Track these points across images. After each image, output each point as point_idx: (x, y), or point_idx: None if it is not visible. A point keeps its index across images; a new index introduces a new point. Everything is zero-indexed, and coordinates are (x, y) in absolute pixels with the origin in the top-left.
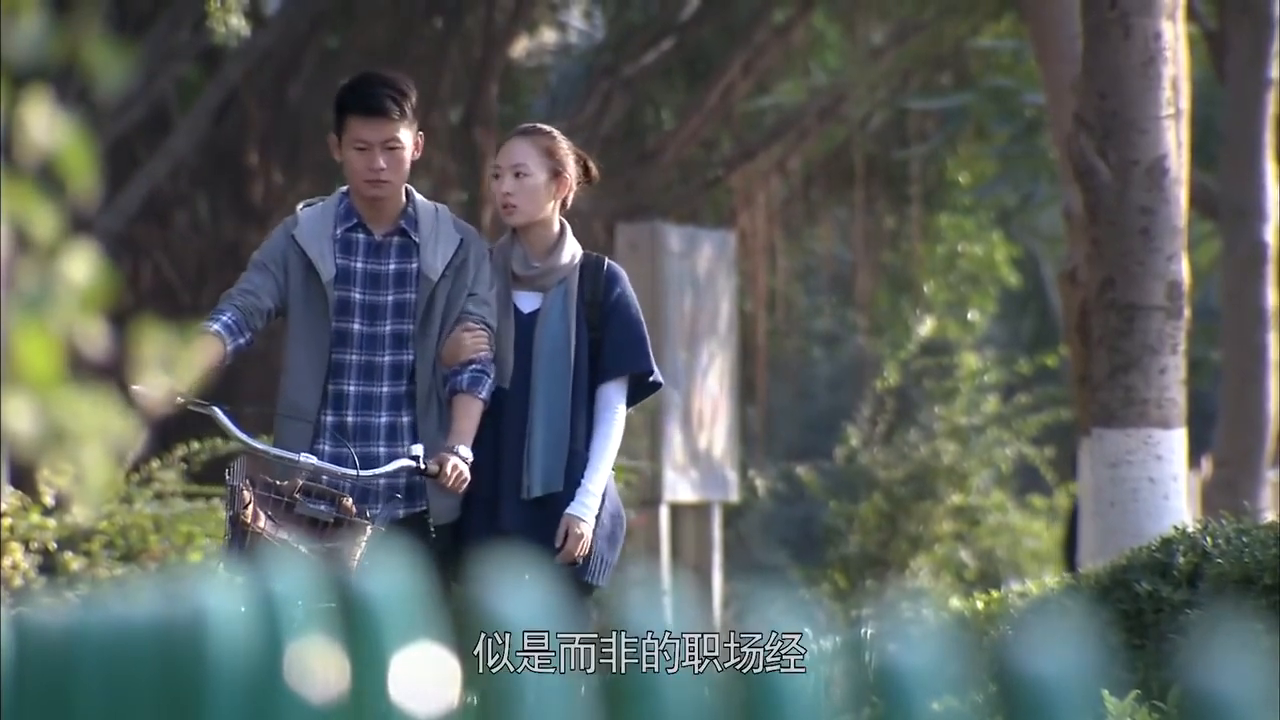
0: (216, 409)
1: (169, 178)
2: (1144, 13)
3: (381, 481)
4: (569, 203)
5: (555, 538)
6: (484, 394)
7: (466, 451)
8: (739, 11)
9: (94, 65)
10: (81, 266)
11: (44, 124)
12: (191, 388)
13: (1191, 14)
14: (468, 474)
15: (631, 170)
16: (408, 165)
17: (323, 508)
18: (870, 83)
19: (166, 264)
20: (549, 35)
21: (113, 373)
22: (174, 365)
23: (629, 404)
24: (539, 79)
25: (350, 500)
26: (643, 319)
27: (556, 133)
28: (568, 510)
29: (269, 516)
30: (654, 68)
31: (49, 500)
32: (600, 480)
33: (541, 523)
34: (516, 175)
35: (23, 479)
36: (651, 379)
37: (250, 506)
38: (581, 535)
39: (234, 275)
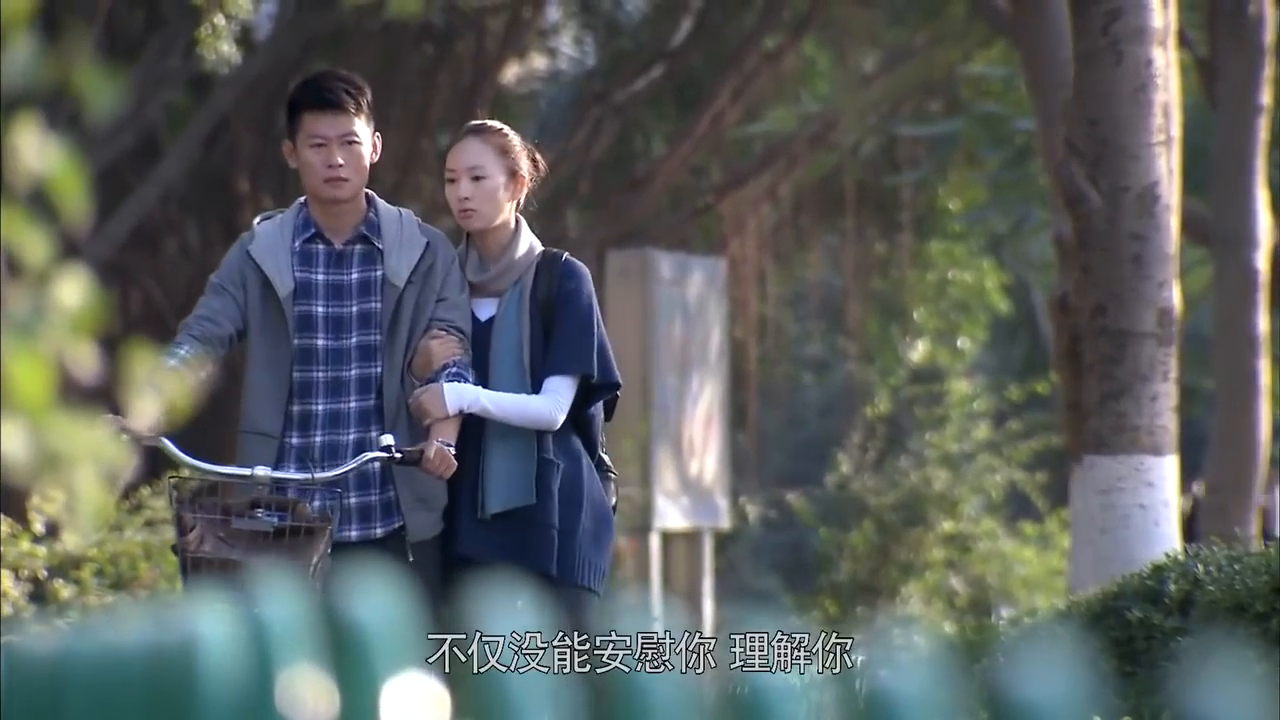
0: (163, 439)
1: (159, 204)
2: (1135, 40)
3: (351, 500)
4: (522, 202)
5: (522, 552)
6: None
7: (451, 444)
8: (729, 38)
9: (85, 91)
10: (73, 291)
11: (35, 149)
12: (143, 423)
13: (1183, 41)
14: (454, 460)
15: (622, 197)
16: (367, 165)
17: (273, 518)
18: (861, 109)
19: (156, 290)
20: (539, 61)
21: (104, 398)
22: (163, 389)
23: (588, 406)
24: (529, 105)
25: (307, 505)
26: (595, 317)
27: (508, 129)
28: (443, 381)
29: (219, 538)
30: (644, 94)
31: (39, 528)
32: (496, 402)
33: (507, 540)
34: (474, 179)
35: (12, 506)
36: (603, 381)
37: (194, 532)
38: (435, 400)
39: None
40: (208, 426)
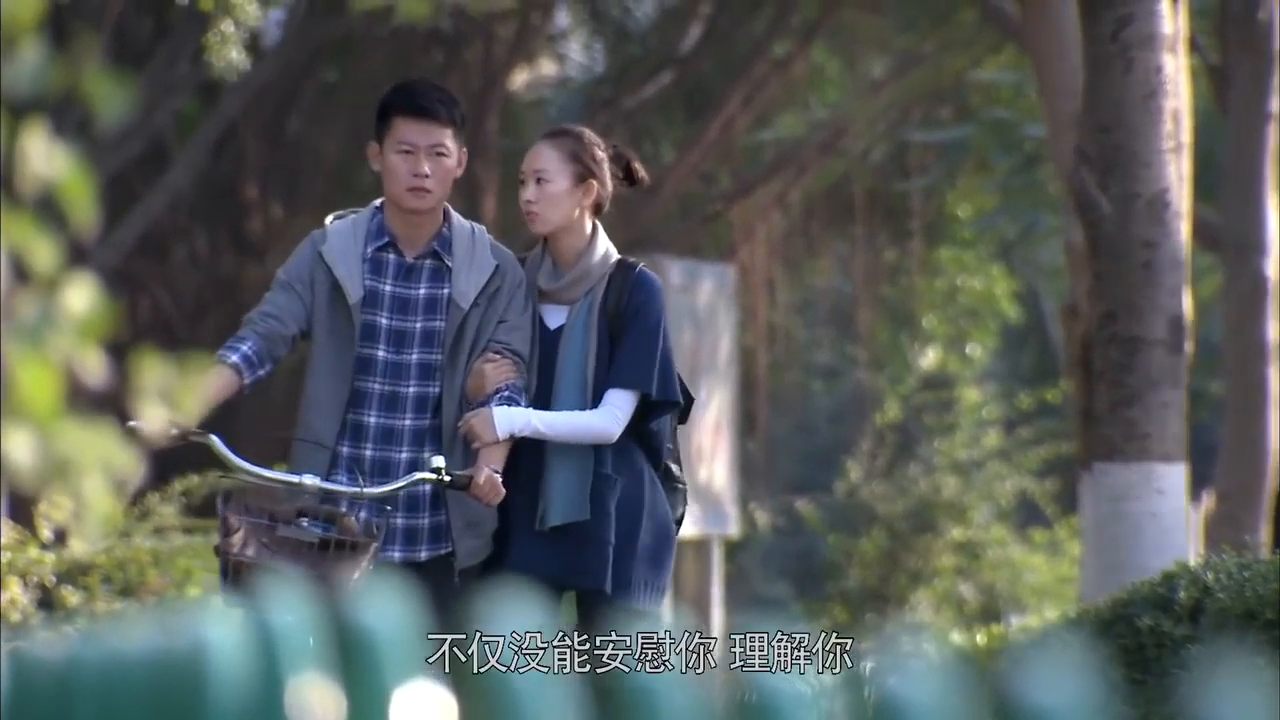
0: (213, 437)
1: (167, 211)
2: (1146, 46)
3: (399, 522)
4: (605, 207)
5: (576, 569)
6: None
7: (499, 470)
8: (739, 45)
9: (93, 97)
10: (81, 298)
11: (43, 156)
12: (194, 419)
13: (1193, 47)
14: (503, 489)
15: (631, 204)
16: (451, 179)
17: (316, 529)
18: (870, 116)
19: (165, 298)
20: (548, 68)
21: (112, 404)
22: (172, 397)
23: (649, 421)
24: (538, 112)
25: (352, 519)
26: (663, 333)
27: (587, 134)
28: (494, 405)
29: (263, 544)
30: (653, 101)
31: (47, 534)
32: (549, 423)
33: (562, 554)
34: (538, 181)
35: (21, 513)
36: (662, 399)
37: (238, 535)
38: (485, 425)
39: (232, 310)
40: (251, 426)
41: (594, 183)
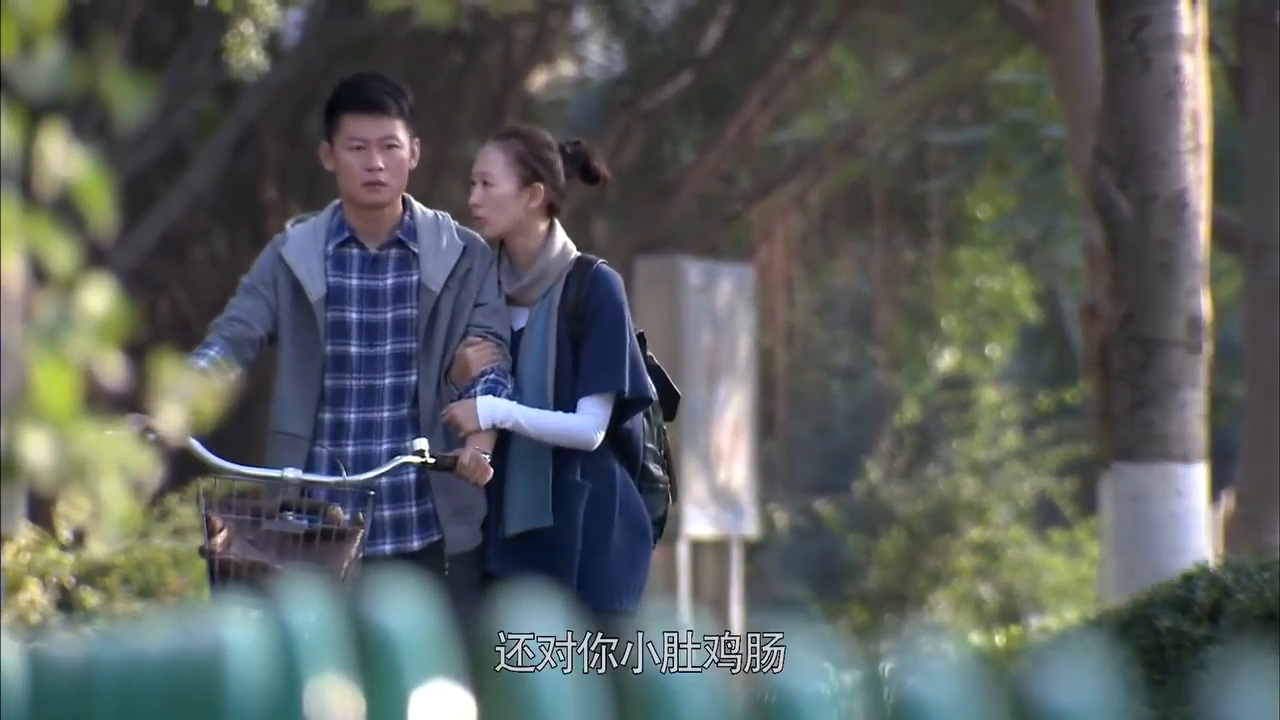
0: (191, 440)
1: (186, 212)
2: (1164, 47)
3: (386, 513)
4: (558, 207)
5: (543, 573)
6: None
7: (487, 452)
8: (758, 46)
9: (112, 98)
10: (99, 299)
11: (62, 156)
12: (173, 423)
13: (1212, 48)
14: (490, 468)
15: (650, 205)
16: (407, 170)
17: (304, 521)
18: (889, 117)
19: (184, 299)
20: (567, 69)
21: (131, 406)
22: (192, 391)
23: (622, 421)
24: (557, 113)
25: (337, 509)
26: (626, 327)
27: (536, 136)
28: (478, 392)
29: (249, 541)
30: (673, 102)
31: (66, 535)
32: (530, 418)
33: (531, 560)
34: (484, 184)
35: (39, 514)
36: (635, 396)
37: (221, 535)
38: (467, 414)
39: None
40: (233, 428)
41: (540, 185)
